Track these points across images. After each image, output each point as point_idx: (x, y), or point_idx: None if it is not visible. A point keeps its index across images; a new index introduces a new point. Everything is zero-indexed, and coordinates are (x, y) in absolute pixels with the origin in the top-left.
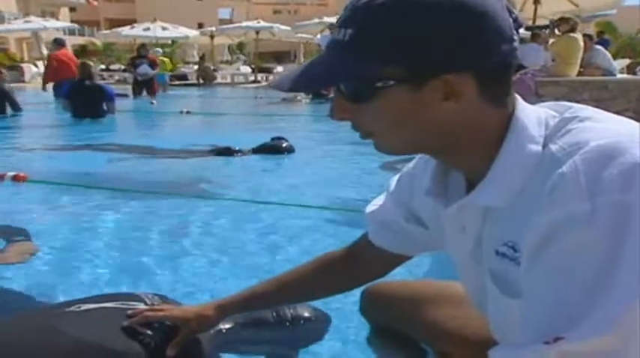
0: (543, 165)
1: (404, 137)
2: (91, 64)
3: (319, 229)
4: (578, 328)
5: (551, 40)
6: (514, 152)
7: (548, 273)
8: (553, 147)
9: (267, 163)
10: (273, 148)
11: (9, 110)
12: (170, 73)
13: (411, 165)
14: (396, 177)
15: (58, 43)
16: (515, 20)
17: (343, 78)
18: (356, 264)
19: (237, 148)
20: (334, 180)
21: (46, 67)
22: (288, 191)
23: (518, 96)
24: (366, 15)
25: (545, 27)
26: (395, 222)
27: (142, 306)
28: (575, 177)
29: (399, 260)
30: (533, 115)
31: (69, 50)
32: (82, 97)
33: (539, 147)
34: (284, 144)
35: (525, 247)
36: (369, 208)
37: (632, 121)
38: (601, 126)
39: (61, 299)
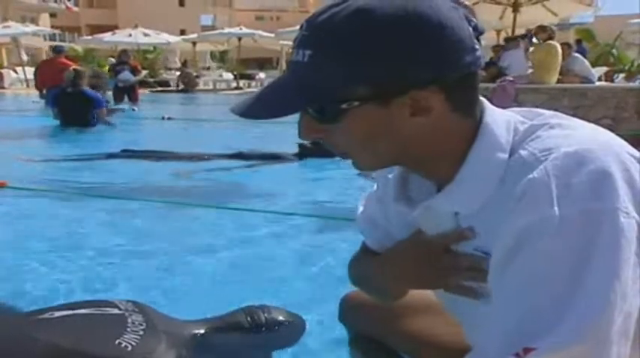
0: (512, 170)
1: (377, 154)
2: (82, 69)
3: None
4: (548, 338)
5: (530, 49)
6: (481, 159)
7: (517, 281)
8: (523, 152)
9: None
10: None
11: None
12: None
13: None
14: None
15: (56, 51)
16: (475, 29)
17: (307, 102)
18: None
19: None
20: None
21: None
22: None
23: (486, 101)
24: (324, 34)
25: (523, 36)
26: (378, 218)
27: (115, 311)
28: (546, 182)
29: None
30: (501, 121)
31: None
32: (67, 105)
33: (506, 154)
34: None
35: (495, 253)
36: (360, 205)
37: (602, 129)
38: (571, 133)
39: (34, 305)
